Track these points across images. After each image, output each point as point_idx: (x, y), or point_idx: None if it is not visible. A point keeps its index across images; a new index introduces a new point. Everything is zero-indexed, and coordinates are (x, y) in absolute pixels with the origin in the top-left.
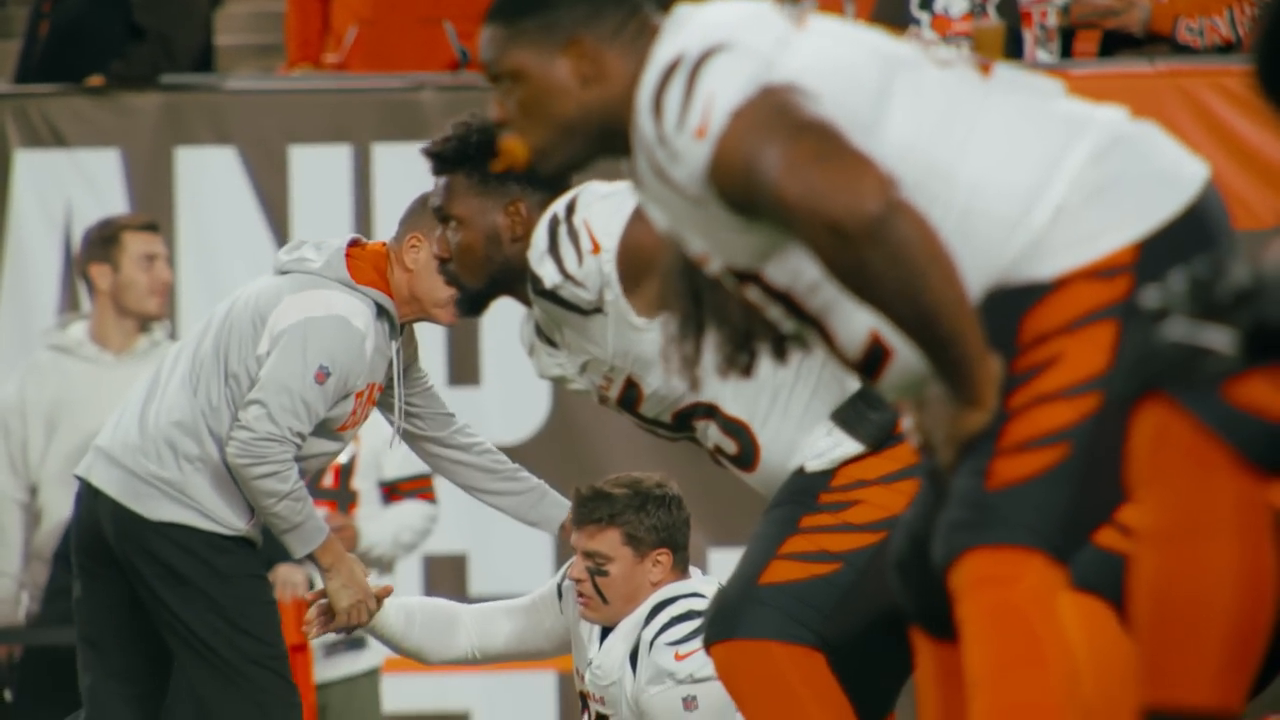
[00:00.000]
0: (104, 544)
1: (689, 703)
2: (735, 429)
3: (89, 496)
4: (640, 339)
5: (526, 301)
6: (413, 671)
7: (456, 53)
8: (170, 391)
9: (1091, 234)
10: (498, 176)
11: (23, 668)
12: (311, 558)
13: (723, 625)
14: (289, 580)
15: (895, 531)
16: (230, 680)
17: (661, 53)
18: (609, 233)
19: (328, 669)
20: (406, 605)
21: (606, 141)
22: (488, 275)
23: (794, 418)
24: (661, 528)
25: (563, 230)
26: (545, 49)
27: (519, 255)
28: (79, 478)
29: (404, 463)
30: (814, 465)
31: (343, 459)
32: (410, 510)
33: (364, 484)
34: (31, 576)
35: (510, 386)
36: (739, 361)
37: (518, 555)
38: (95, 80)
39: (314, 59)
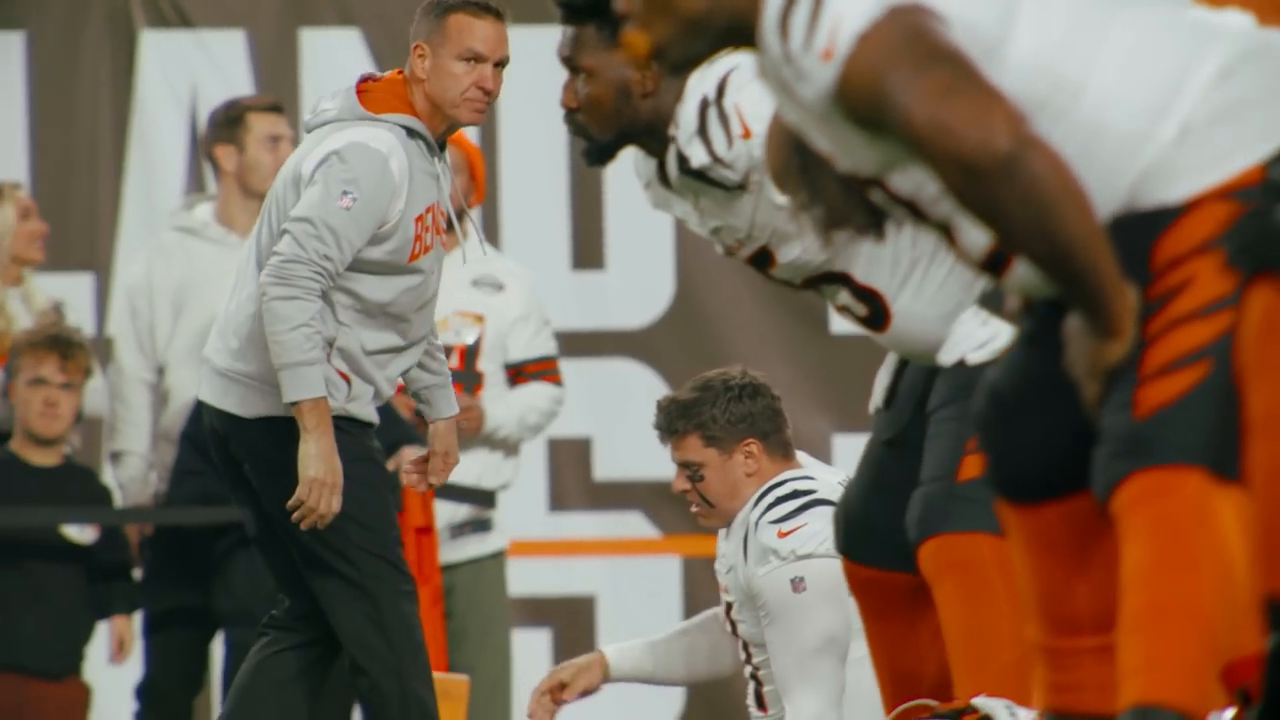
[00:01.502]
0: (225, 449)
1: (797, 584)
2: (867, 296)
3: (201, 405)
4: (783, 216)
5: (653, 154)
6: (539, 555)
7: None
8: (244, 284)
9: (1220, 154)
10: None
11: (152, 547)
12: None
13: (933, 521)
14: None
15: (978, 394)
16: (336, 570)
17: None
18: (759, 116)
19: (453, 551)
20: (637, 649)
21: (731, 38)
22: (616, 128)
23: (927, 294)
24: (740, 419)
25: (712, 113)
26: None
27: (649, 110)
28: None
29: (530, 344)
30: (975, 357)
31: (469, 340)
32: (536, 392)
33: (490, 366)
34: (159, 456)
35: (635, 271)
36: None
37: (643, 438)
38: None
39: None
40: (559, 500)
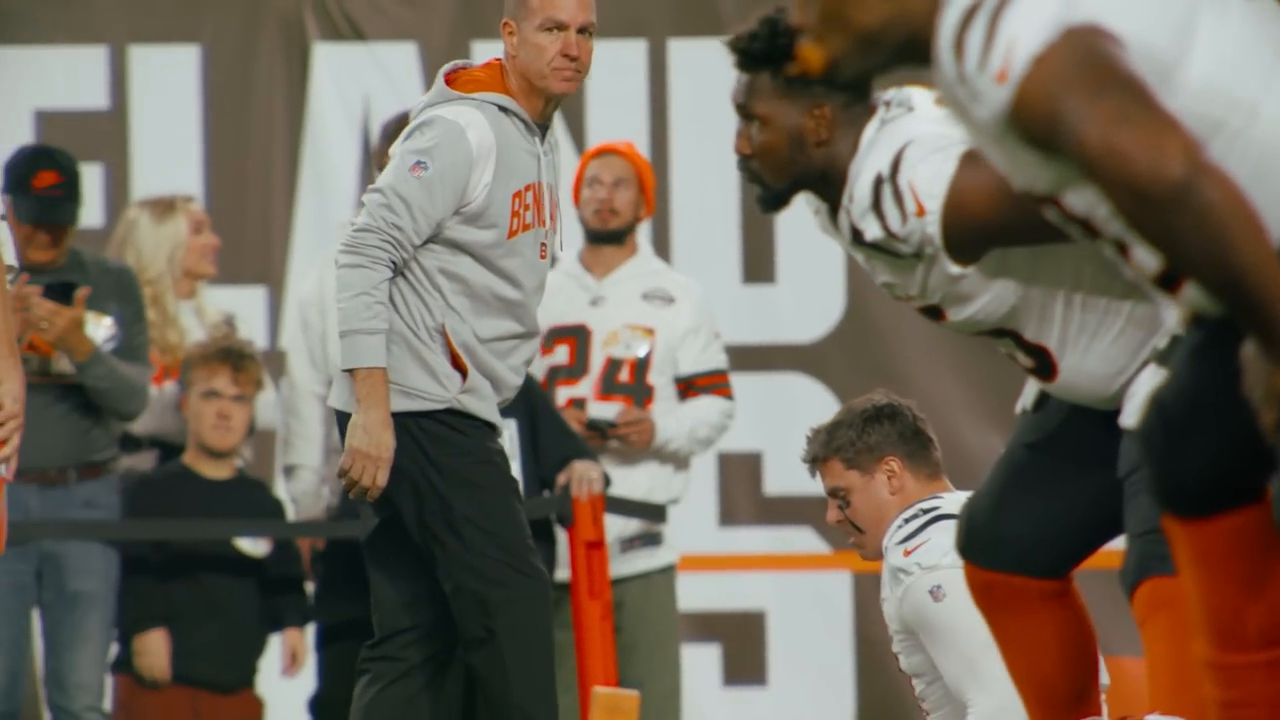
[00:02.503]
0: None
1: (935, 593)
2: (1036, 352)
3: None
4: (957, 284)
5: (826, 200)
6: (709, 570)
7: None
8: None
9: None
10: (802, 78)
11: (324, 560)
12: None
13: (1151, 565)
14: (585, 476)
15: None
16: (454, 575)
17: None
18: (933, 195)
19: (624, 565)
20: None
21: (905, 54)
22: (790, 176)
23: (1096, 352)
24: (880, 440)
25: (887, 190)
26: None
27: (822, 158)
28: None
29: (700, 358)
30: None
31: (638, 353)
32: (706, 406)
33: (660, 379)
34: (331, 470)
35: (805, 284)
36: None
37: None
38: None
39: None
40: (729, 515)
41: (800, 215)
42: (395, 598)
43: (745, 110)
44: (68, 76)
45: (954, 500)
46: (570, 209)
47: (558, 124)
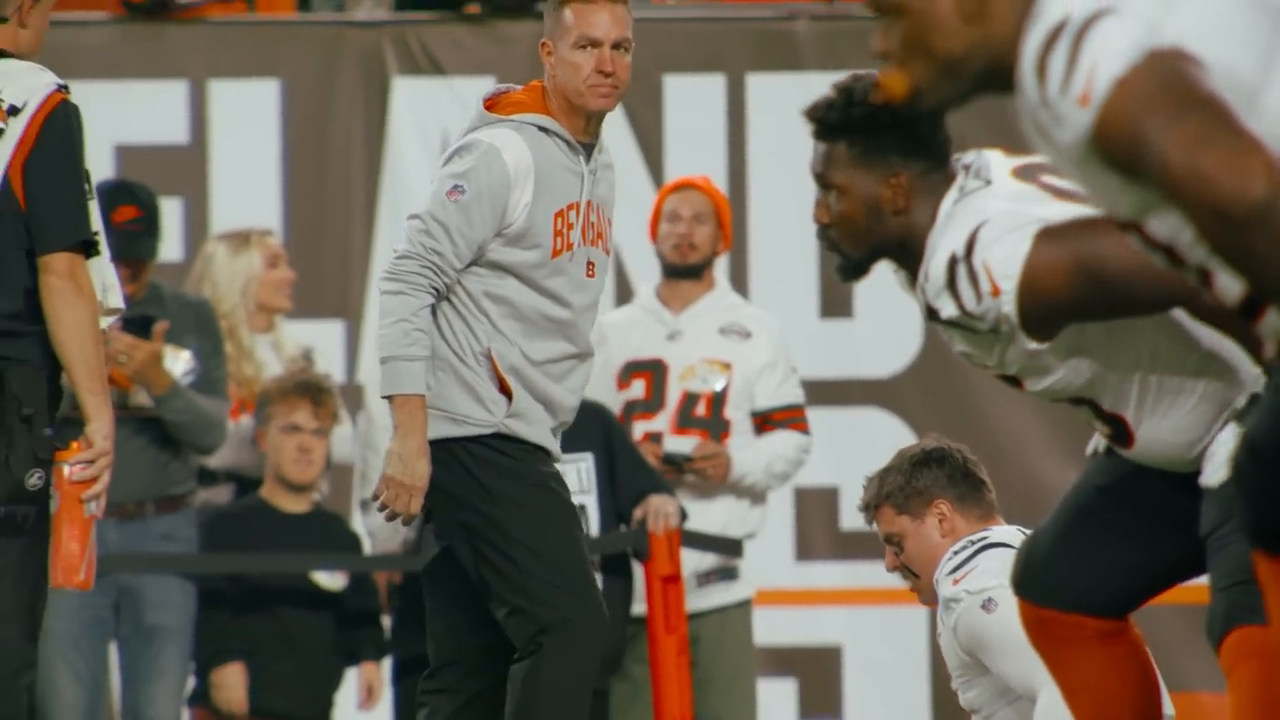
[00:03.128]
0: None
1: (988, 605)
2: (1112, 420)
3: None
4: (1034, 358)
5: (905, 268)
6: (785, 604)
7: None
8: None
9: None
10: (880, 147)
11: (401, 594)
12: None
13: (1239, 615)
14: (661, 510)
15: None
16: (506, 599)
17: (1048, 11)
18: (1008, 275)
19: (700, 599)
20: None
21: (988, 80)
22: (868, 245)
23: (1172, 421)
24: (929, 484)
25: (961, 270)
26: None
27: (900, 227)
28: None
29: (777, 392)
30: None
31: (714, 387)
32: (783, 440)
33: (736, 414)
34: None
35: (883, 319)
36: None
37: None
38: (473, 8)
39: None
40: (805, 549)
41: None
42: (450, 627)
43: (823, 180)
44: (148, 111)
45: (1002, 531)
46: (647, 243)
47: (628, 151)
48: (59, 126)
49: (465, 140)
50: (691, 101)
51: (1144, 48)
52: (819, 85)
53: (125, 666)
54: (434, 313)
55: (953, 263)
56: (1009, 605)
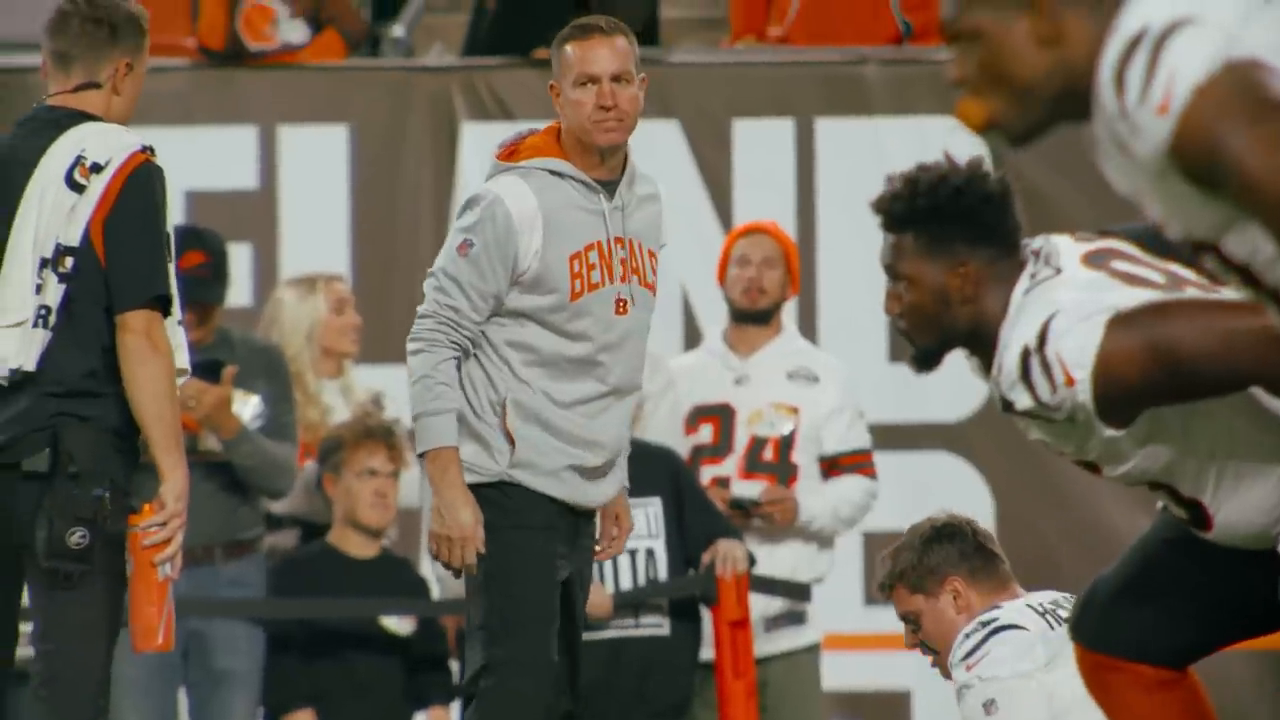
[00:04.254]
0: None
1: (989, 707)
2: (1190, 505)
3: None
4: (1111, 444)
5: (978, 357)
6: (853, 649)
7: (899, 25)
8: None
9: None
10: (945, 237)
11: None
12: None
13: None
14: (729, 555)
15: None
16: (481, 640)
17: (1125, 24)
18: (1081, 365)
19: (768, 644)
20: None
21: (1064, 106)
22: (938, 335)
23: (1251, 504)
24: (940, 561)
25: (1035, 362)
26: (1006, 7)
27: (969, 316)
28: None
29: (844, 437)
30: None
31: (782, 432)
32: (850, 485)
33: (804, 458)
34: None
35: (951, 364)
36: None
37: None
38: (541, 53)
39: (758, 31)
40: (874, 594)
41: None
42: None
43: (892, 270)
44: (218, 157)
45: (1013, 609)
46: (716, 287)
47: (696, 195)
48: (140, 186)
49: (474, 193)
50: (761, 145)
51: (1223, 57)
52: (888, 130)
53: (194, 712)
54: (460, 365)
55: (1026, 355)
56: (1007, 707)
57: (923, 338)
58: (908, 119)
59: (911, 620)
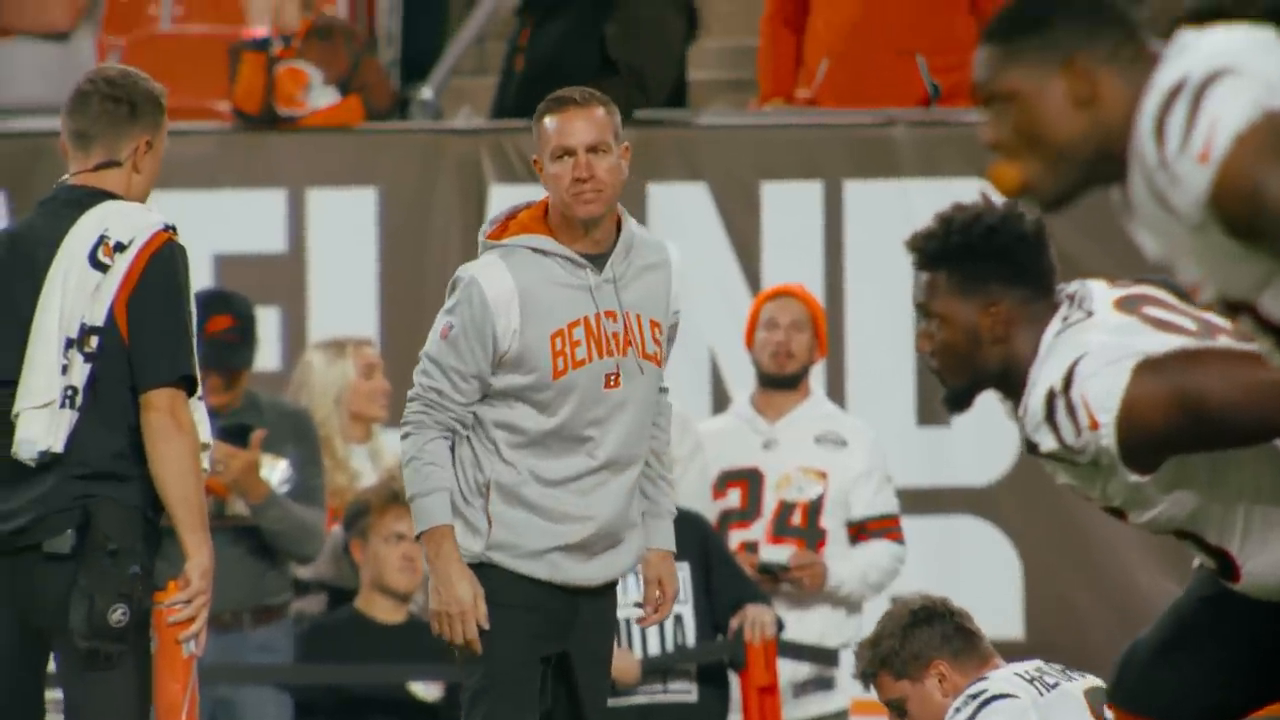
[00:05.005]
0: None
1: None
2: (1217, 555)
3: None
4: (1137, 490)
5: (1009, 398)
6: (882, 714)
7: (928, 87)
8: None
9: None
10: (978, 276)
11: None
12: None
13: None
14: (757, 620)
15: None
16: (463, 710)
17: (1164, 76)
18: (1107, 408)
19: (796, 709)
20: None
21: (1098, 168)
22: (969, 374)
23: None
24: (923, 646)
25: (1060, 404)
26: (1041, 68)
27: (1000, 356)
28: None
29: (872, 502)
30: None
31: (810, 496)
32: (878, 550)
33: (831, 523)
34: None
35: (979, 428)
36: None
37: (987, 597)
38: None
39: (786, 94)
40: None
41: None
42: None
43: (924, 309)
44: (246, 220)
45: (1000, 678)
46: (743, 350)
47: (724, 257)
48: (163, 265)
49: (456, 274)
50: (789, 208)
51: (1264, 105)
52: (917, 192)
53: None
54: (453, 445)
55: (1051, 396)
56: None
57: (953, 377)
58: (936, 181)
59: (897, 706)
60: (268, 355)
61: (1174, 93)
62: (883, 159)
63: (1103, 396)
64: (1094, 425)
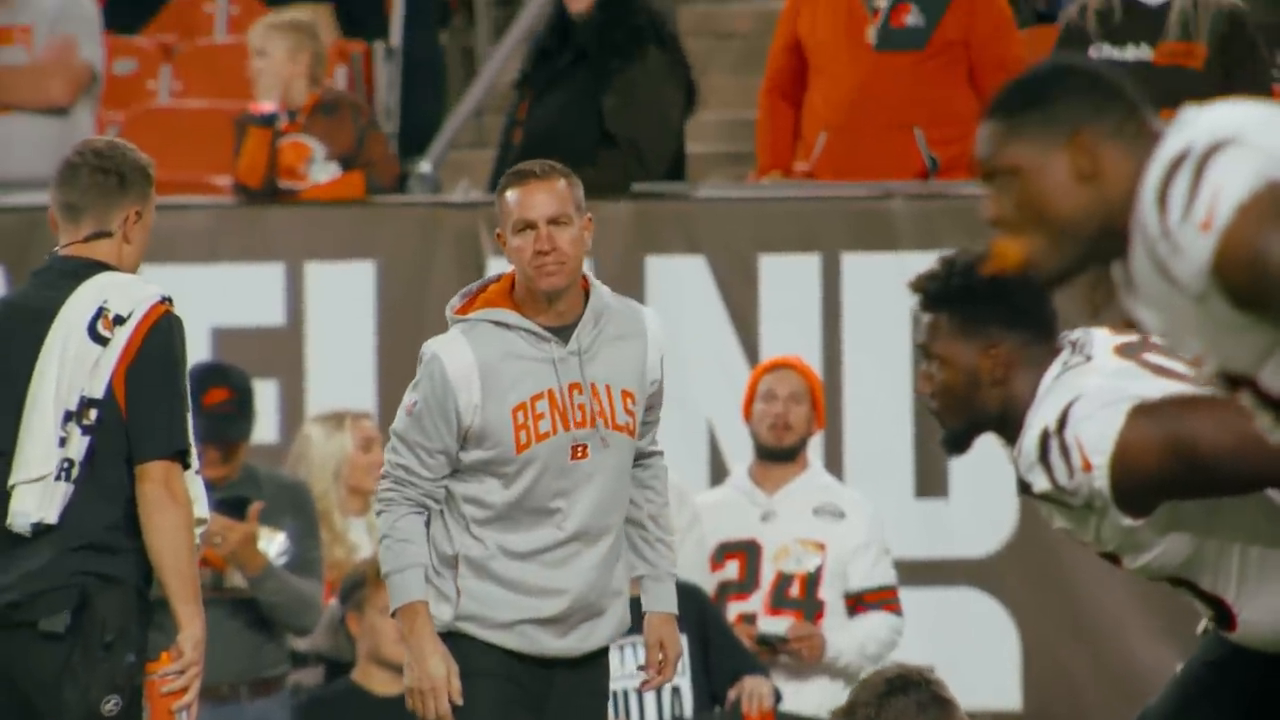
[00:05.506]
0: None
1: None
2: (1213, 602)
3: None
4: (1131, 534)
5: (1009, 442)
6: None
7: (926, 160)
8: None
9: None
10: (981, 318)
11: None
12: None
13: None
14: (755, 691)
15: None
16: None
17: (1167, 148)
18: (1100, 450)
19: None
20: None
21: (1101, 244)
22: (967, 416)
23: (1276, 606)
24: (899, 714)
25: (1054, 444)
26: (1044, 144)
27: (998, 399)
28: None
29: (870, 573)
30: None
31: (808, 568)
32: (876, 621)
33: (830, 594)
34: None
35: (978, 499)
36: None
37: (985, 668)
38: None
39: (784, 166)
40: None
41: None
42: None
43: (925, 350)
44: (244, 294)
45: None
46: (741, 422)
47: (722, 330)
48: (161, 338)
49: (421, 350)
50: (787, 280)
51: (1267, 176)
52: (915, 265)
53: None
54: (427, 520)
55: (1045, 437)
56: None
57: (952, 419)
58: (934, 253)
59: None
60: (265, 428)
61: (1177, 163)
62: (881, 231)
63: (1097, 439)
64: (1087, 467)
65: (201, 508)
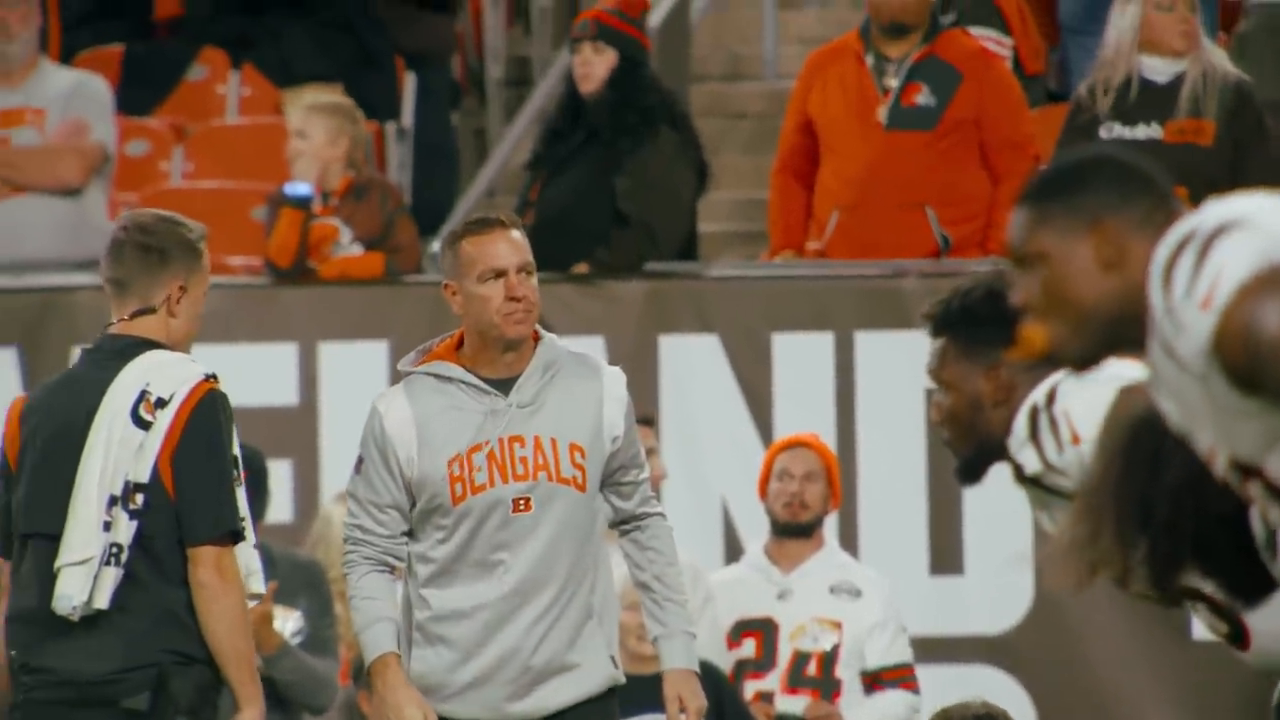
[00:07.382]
0: None
1: None
2: (1225, 614)
3: None
4: None
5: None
6: None
7: (938, 239)
8: None
9: None
10: (983, 340)
11: None
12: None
13: None
14: None
15: None
16: None
17: (1176, 229)
18: (1089, 422)
19: None
20: None
21: (1123, 331)
22: (974, 441)
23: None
24: None
25: (1043, 419)
26: (1069, 231)
27: (1001, 422)
28: None
29: (887, 651)
30: None
31: (825, 647)
32: (893, 699)
33: (847, 673)
34: None
35: (993, 576)
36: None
37: None
38: (580, 268)
39: (796, 245)
40: None
41: (987, 505)
42: None
43: (935, 376)
44: (258, 374)
45: None
46: (756, 501)
47: (736, 408)
48: (204, 418)
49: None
50: (800, 359)
51: (1270, 257)
52: (928, 343)
53: None
54: (389, 578)
55: (1035, 413)
56: None
57: (961, 445)
58: None
59: None
60: (279, 508)
61: (1183, 242)
62: (893, 310)
63: (1087, 409)
64: (1075, 439)
65: (257, 582)
